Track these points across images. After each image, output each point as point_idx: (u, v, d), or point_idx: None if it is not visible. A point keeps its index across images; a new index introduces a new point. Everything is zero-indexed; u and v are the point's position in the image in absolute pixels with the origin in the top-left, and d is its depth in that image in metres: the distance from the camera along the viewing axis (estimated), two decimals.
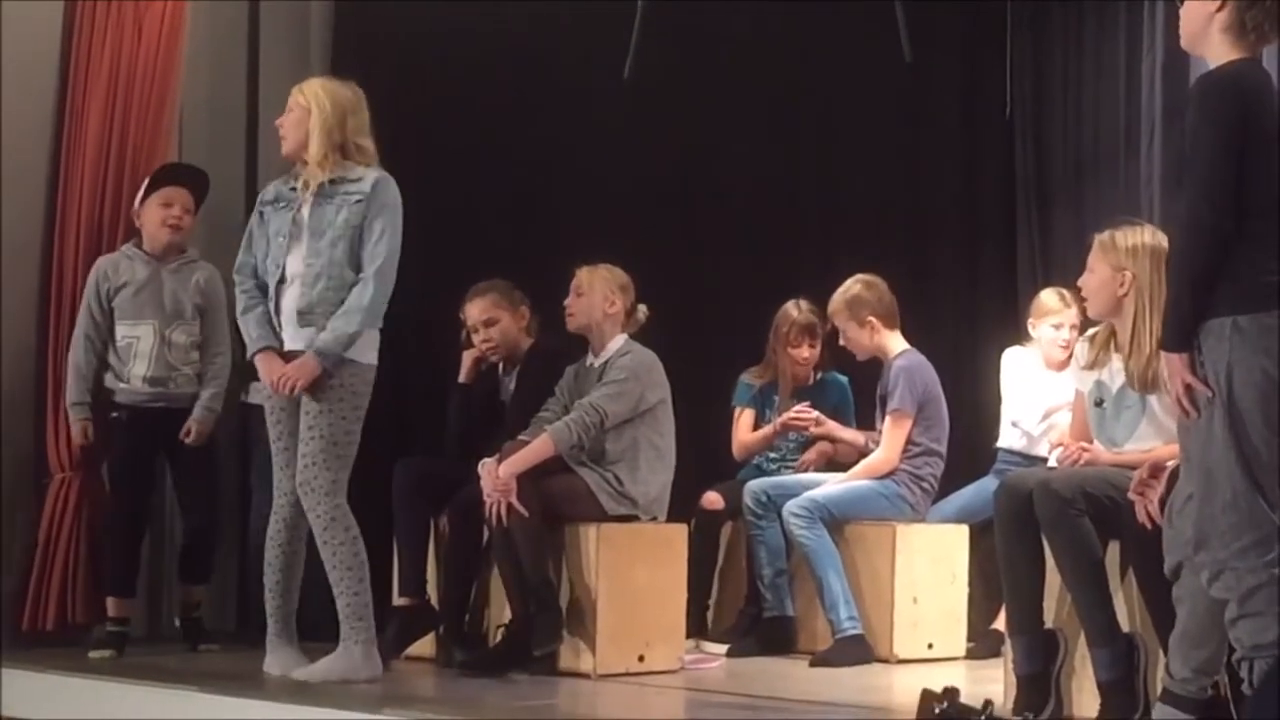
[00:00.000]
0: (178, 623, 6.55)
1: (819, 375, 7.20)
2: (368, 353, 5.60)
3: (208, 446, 6.51)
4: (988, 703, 4.56)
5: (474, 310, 6.63)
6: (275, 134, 7.36)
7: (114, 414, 6.48)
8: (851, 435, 7.07)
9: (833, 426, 7.05)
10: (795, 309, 7.12)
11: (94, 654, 6.28)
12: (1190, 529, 4.25)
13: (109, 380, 6.48)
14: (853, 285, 6.85)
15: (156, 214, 6.47)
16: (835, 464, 7.07)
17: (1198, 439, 4.24)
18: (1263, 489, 4.13)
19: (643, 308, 6.36)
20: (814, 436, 7.09)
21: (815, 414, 7.02)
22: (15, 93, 6.67)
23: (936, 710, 4.42)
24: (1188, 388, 4.22)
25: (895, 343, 6.84)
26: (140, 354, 6.41)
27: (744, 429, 7.23)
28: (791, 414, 7.03)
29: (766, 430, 7.15)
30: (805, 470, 7.02)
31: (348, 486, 5.58)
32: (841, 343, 6.93)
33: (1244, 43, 4.30)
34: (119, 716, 5.60)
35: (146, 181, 6.53)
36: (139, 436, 6.44)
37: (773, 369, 7.19)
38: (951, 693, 4.46)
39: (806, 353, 7.12)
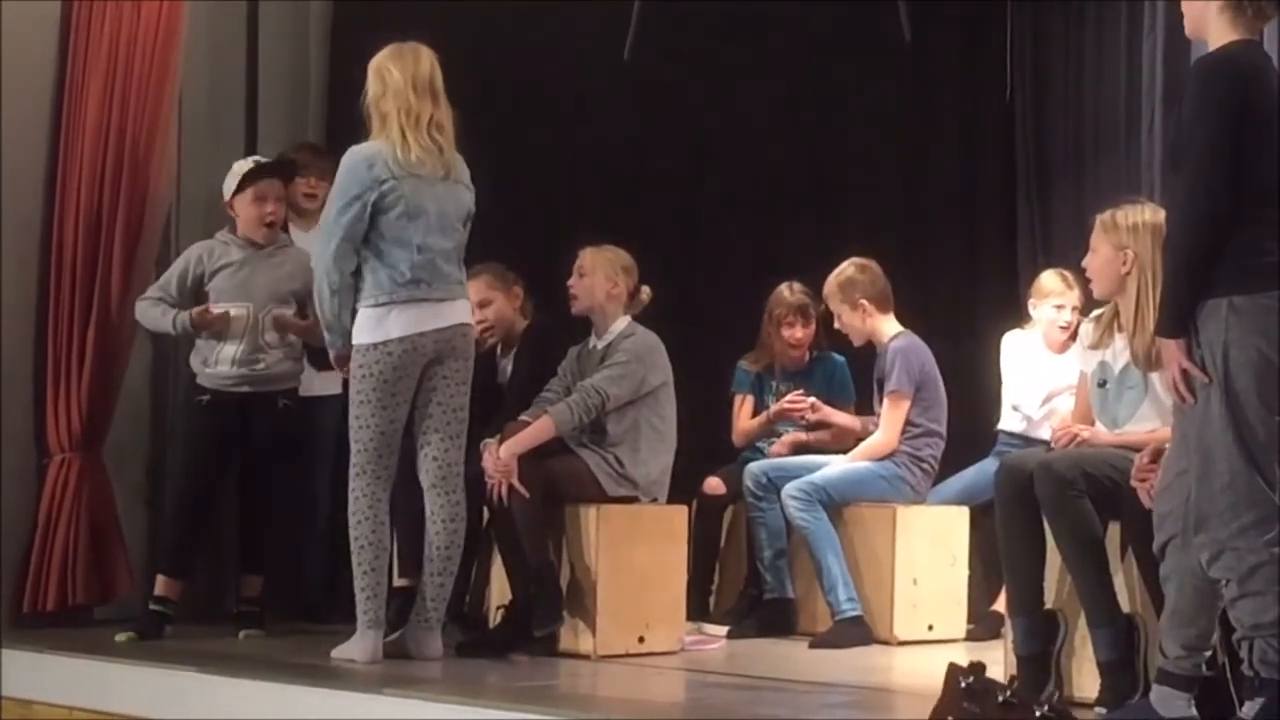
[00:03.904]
0: (237, 610, 6.53)
1: (812, 355, 7.20)
2: (361, 334, 5.64)
3: (287, 439, 6.51)
4: (1013, 678, 4.57)
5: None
6: (274, 124, 7.42)
7: (199, 397, 6.48)
8: (848, 420, 7.07)
9: (828, 412, 7.05)
10: (787, 290, 7.13)
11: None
12: (1174, 506, 4.26)
13: (195, 364, 6.49)
14: (846, 268, 6.87)
15: (253, 212, 6.47)
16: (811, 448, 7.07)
17: (1195, 420, 4.25)
18: (1260, 468, 4.15)
19: (646, 289, 6.37)
20: (810, 423, 7.08)
21: (810, 400, 7.02)
22: (14, 82, 6.66)
23: (963, 684, 4.42)
24: (1184, 373, 4.23)
25: (889, 326, 6.85)
26: (233, 335, 6.41)
27: (744, 416, 7.24)
28: (786, 402, 7.03)
29: (763, 417, 7.15)
30: (779, 456, 7.01)
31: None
32: (836, 326, 6.93)
33: (1243, 21, 4.31)
34: (117, 696, 5.61)
35: (238, 175, 6.49)
36: (219, 421, 6.43)
37: (768, 353, 7.19)
38: (977, 667, 4.47)
39: (800, 333, 7.12)
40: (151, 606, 6.40)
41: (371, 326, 5.63)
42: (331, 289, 5.63)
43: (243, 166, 6.56)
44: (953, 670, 4.45)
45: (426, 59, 5.70)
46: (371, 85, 5.70)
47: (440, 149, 5.69)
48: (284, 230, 6.76)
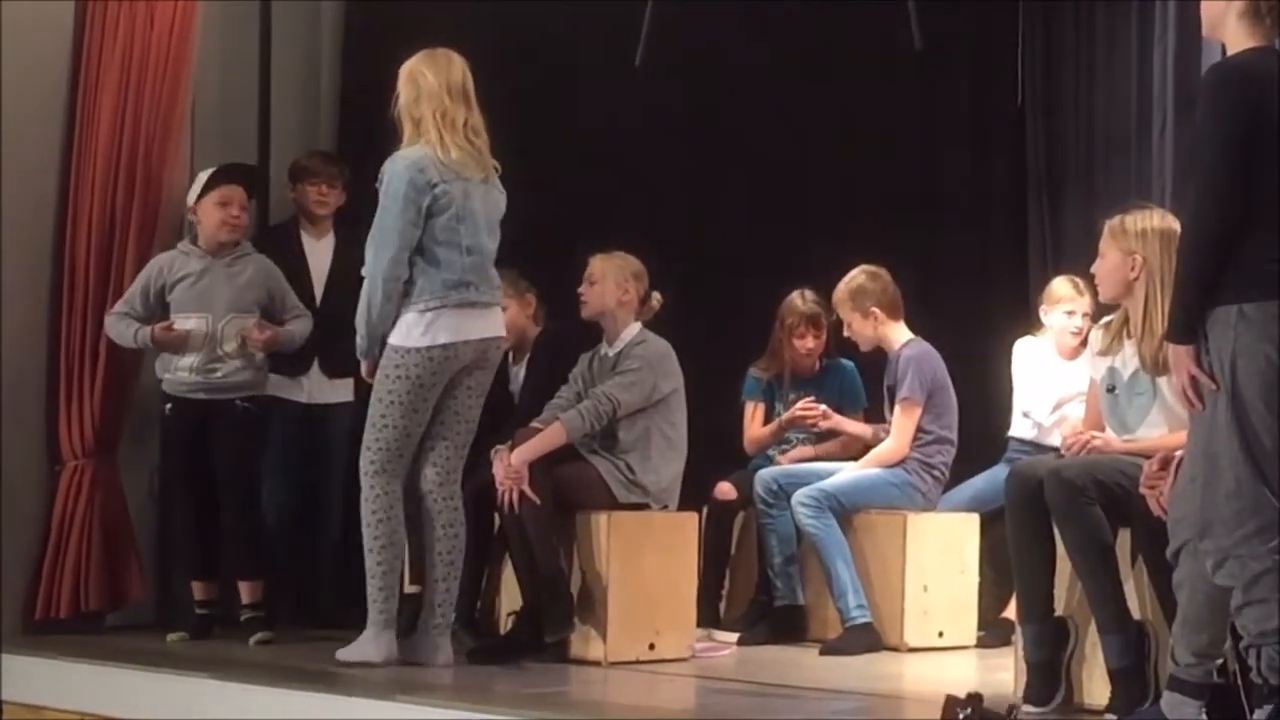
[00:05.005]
0: (242, 617, 6.54)
1: (823, 362, 7.20)
2: (405, 336, 5.60)
3: (249, 441, 6.54)
4: (1012, 708, 4.56)
5: None
6: (286, 129, 7.43)
7: (165, 405, 6.54)
8: (859, 428, 7.07)
9: (839, 420, 7.05)
10: (800, 299, 7.12)
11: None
12: (1187, 512, 4.26)
13: (158, 370, 6.54)
14: (857, 276, 6.86)
15: (215, 214, 6.50)
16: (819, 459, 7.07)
17: (1202, 426, 4.25)
18: (1266, 476, 4.14)
19: (656, 295, 6.37)
20: (823, 431, 7.08)
21: (821, 408, 7.01)
22: (27, 87, 6.68)
23: (960, 715, 4.41)
24: (1192, 379, 4.22)
25: (899, 333, 6.85)
26: (192, 346, 6.44)
27: (755, 423, 7.22)
28: (798, 409, 7.03)
29: (774, 425, 7.15)
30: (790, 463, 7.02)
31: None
32: (846, 334, 6.93)
33: (1260, 28, 4.31)
34: (128, 702, 5.63)
35: (203, 180, 6.54)
36: (187, 426, 6.48)
37: (779, 360, 7.19)
38: (975, 698, 4.45)
39: (812, 342, 7.12)
40: (198, 611, 6.53)
41: (418, 331, 5.58)
42: (387, 296, 5.58)
43: (203, 173, 6.58)
44: (950, 702, 4.44)
45: (458, 64, 5.69)
46: (404, 91, 5.67)
47: (479, 151, 5.68)
48: (293, 239, 6.78)
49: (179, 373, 6.46)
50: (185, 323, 6.45)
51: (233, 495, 6.48)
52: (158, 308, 6.50)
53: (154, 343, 6.44)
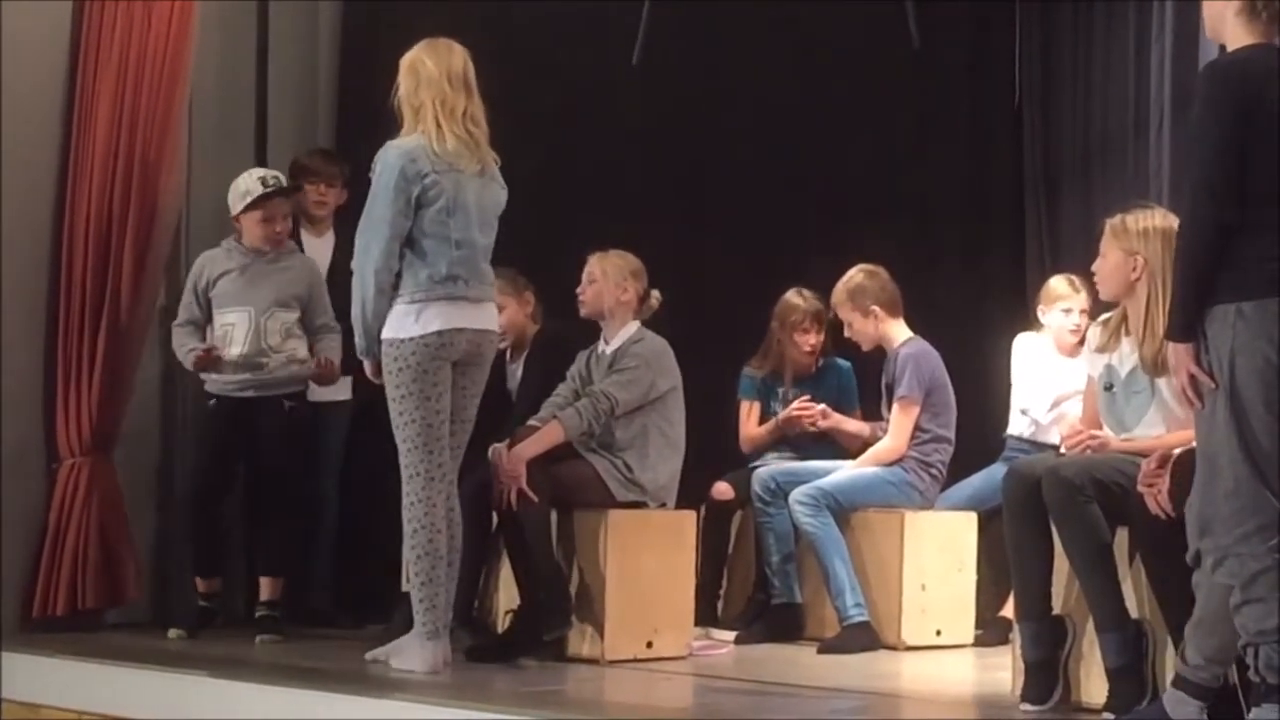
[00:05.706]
0: (257, 613, 6.53)
1: (820, 362, 7.20)
2: (397, 329, 5.53)
3: (297, 441, 6.55)
4: None
5: None
6: (284, 129, 7.44)
7: (210, 401, 6.55)
8: (857, 427, 7.07)
9: (838, 419, 7.05)
10: (800, 297, 7.12)
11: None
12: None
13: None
14: (855, 275, 6.87)
15: (258, 229, 6.53)
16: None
17: (1202, 426, 4.25)
18: (1264, 475, 4.14)
19: (655, 294, 6.37)
20: (821, 430, 7.09)
21: (820, 407, 7.02)
22: (26, 87, 6.67)
23: None
24: (1192, 378, 4.23)
25: (899, 331, 6.86)
26: (235, 340, 6.45)
27: (750, 422, 7.22)
28: (795, 408, 7.03)
29: (771, 424, 7.15)
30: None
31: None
32: (847, 334, 6.94)
33: (1257, 24, 4.31)
34: (126, 700, 5.63)
35: (248, 198, 6.51)
36: (226, 424, 6.49)
37: (775, 359, 7.19)
38: None
39: (814, 339, 7.12)
40: (200, 603, 6.54)
41: (409, 322, 5.51)
42: (379, 289, 5.50)
43: (247, 182, 6.56)
44: None
45: (460, 53, 5.64)
46: (404, 80, 5.61)
47: (476, 142, 5.63)
48: (292, 237, 6.79)
49: (225, 368, 6.46)
50: (226, 316, 6.46)
51: (278, 494, 6.47)
52: (205, 305, 6.54)
53: (194, 366, 6.47)
